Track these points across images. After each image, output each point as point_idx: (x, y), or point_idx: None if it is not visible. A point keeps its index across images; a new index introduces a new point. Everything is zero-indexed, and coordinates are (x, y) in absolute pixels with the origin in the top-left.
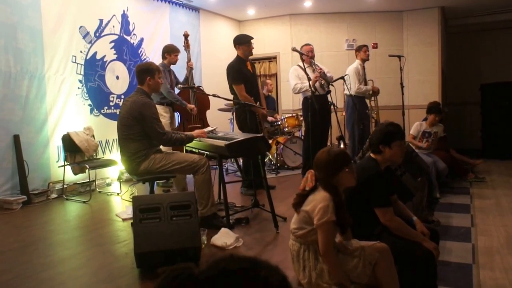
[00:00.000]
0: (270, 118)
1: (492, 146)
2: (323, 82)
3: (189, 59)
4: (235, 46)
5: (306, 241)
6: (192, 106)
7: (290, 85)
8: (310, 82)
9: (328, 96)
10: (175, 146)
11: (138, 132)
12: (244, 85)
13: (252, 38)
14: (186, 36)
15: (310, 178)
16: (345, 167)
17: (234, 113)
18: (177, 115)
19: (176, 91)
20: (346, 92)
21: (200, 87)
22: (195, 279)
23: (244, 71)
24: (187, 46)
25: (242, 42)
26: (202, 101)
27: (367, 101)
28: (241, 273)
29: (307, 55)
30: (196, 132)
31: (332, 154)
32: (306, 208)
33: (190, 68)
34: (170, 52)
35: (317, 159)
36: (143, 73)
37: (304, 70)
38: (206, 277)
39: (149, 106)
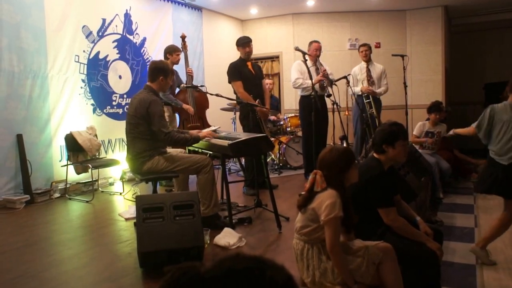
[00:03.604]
0: (272, 117)
1: None
2: (325, 84)
3: (187, 65)
4: (236, 47)
5: (310, 239)
6: (188, 106)
7: (291, 79)
8: (313, 81)
9: (329, 91)
10: (179, 146)
11: (145, 131)
12: (242, 83)
13: (249, 40)
14: (183, 37)
15: (320, 179)
16: (353, 164)
17: (239, 113)
18: (177, 116)
19: (177, 91)
20: (350, 92)
21: (203, 86)
22: (201, 278)
23: (243, 70)
24: (184, 47)
25: (239, 44)
26: (200, 100)
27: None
28: (247, 273)
29: (310, 54)
30: (203, 132)
31: (341, 151)
32: (312, 205)
33: (189, 75)
34: (171, 52)
35: (324, 158)
36: (158, 71)
37: (307, 68)
38: (212, 276)
39: (156, 104)
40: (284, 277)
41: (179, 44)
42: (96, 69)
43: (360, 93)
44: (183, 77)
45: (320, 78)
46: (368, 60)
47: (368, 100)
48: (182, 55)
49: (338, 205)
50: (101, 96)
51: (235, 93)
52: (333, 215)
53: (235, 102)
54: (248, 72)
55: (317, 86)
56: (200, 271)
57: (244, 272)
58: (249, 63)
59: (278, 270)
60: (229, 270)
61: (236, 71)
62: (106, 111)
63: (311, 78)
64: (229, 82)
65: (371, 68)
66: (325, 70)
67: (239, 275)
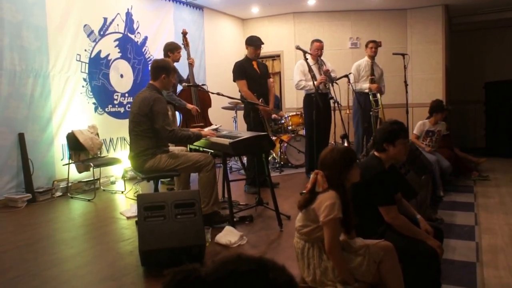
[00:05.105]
0: (274, 116)
1: (496, 145)
2: (327, 85)
3: (188, 56)
4: (245, 45)
5: (310, 239)
6: (192, 106)
7: (294, 80)
8: (315, 83)
9: (331, 93)
10: (181, 144)
11: (147, 129)
12: (247, 82)
13: (262, 43)
14: (184, 34)
15: (322, 180)
16: (354, 163)
17: (242, 111)
18: (178, 115)
19: (179, 88)
20: (354, 87)
21: (204, 85)
22: (203, 281)
23: (248, 69)
24: (186, 44)
25: (251, 43)
26: (204, 99)
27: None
28: (250, 275)
29: (312, 54)
30: (204, 130)
31: (342, 151)
32: (312, 205)
33: (190, 65)
34: (172, 50)
35: (325, 158)
36: (160, 69)
37: (309, 66)
38: (214, 279)
39: (160, 102)
40: (286, 278)
41: (180, 41)
42: (97, 68)
43: (367, 90)
44: (183, 73)
45: (321, 80)
46: (373, 58)
47: (375, 98)
48: (183, 53)
49: (337, 206)
50: (102, 95)
51: (240, 91)
52: (332, 216)
53: (236, 101)
54: (253, 71)
55: (321, 85)
56: (201, 274)
57: (246, 275)
58: (254, 62)
59: (280, 271)
60: (231, 272)
61: (241, 70)
62: (108, 110)
63: (314, 77)
64: (234, 81)
65: (374, 67)
66: (327, 70)
67: (241, 277)
